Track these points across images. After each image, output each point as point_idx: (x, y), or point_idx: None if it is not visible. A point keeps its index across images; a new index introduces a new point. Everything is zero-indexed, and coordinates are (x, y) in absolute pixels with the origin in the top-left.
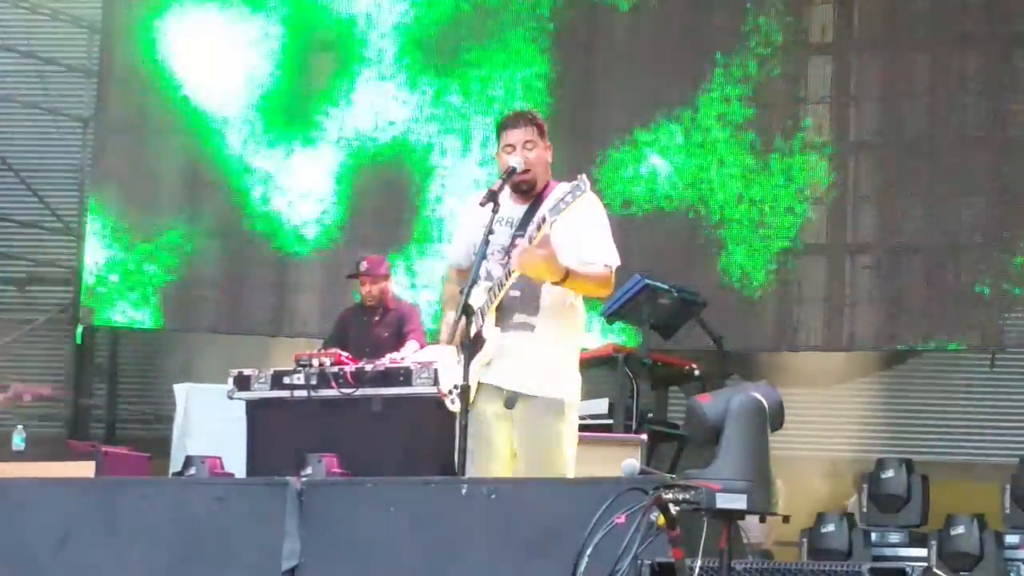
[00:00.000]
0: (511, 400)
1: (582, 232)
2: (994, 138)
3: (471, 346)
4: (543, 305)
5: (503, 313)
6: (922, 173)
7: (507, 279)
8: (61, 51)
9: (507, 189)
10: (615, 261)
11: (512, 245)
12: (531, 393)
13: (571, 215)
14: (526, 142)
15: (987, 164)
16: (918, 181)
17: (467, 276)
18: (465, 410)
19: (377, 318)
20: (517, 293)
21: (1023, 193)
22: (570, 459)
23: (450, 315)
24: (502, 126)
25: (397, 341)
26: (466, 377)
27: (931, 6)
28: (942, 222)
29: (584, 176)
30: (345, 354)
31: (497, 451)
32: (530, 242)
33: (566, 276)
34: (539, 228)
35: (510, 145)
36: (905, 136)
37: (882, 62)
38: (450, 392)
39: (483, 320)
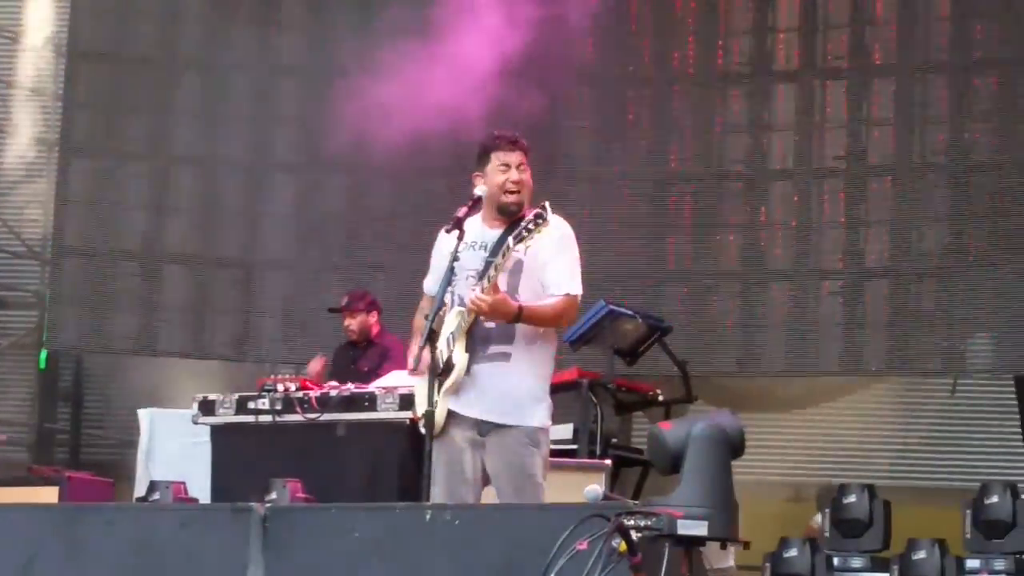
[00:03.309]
0: (484, 430)
1: (546, 261)
2: (956, 165)
3: (438, 372)
4: (519, 335)
5: (478, 342)
6: (886, 199)
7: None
8: (25, 74)
9: (481, 213)
10: (576, 290)
11: (484, 269)
12: (507, 423)
13: (540, 241)
14: (520, 164)
15: (949, 190)
16: (882, 207)
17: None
18: (430, 436)
19: (360, 352)
20: (492, 324)
21: (985, 220)
22: (543, 486)
23: (415, 344)
24: (493, 146)
25: (377, 375)
26: (431, 402)
27: (895, 34)
28: (905, 248)
29: (546, 204)
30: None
31: (467, 477)
32: (487, 282)
33: (519, 314)
34: (502, 255)
35: (505, 164)
36: (867, 161)
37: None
38: (422, 417)
39: (453, 345)
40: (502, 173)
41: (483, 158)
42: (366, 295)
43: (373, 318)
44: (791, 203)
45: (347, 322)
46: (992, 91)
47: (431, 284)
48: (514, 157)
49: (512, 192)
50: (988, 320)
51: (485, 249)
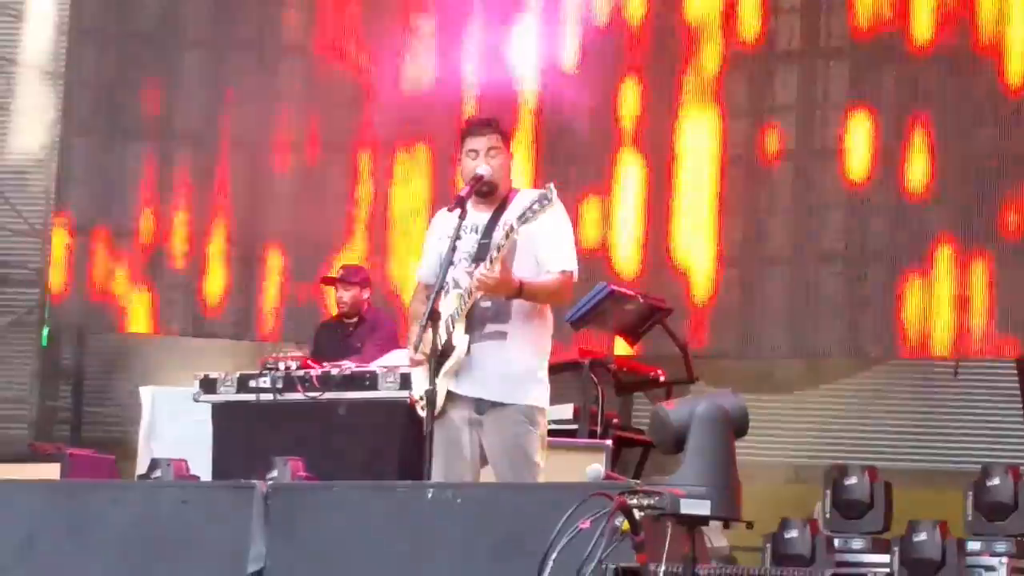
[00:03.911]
0: (482, 408)
1: (542, 239)
2: None
3: (439, 354)
4: (514, 313)
5: (474, 323)
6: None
7: (472, 293)
8: (26, 51)
9: (472, 198)
10: (572, 266)
11: (478, 252)
12: (503, 401)
13: (534, 221)
14: (490, 148)
15: None
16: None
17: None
18: (431, 416)
19: (351, 329)
20: (488, 304)
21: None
22: (540, 466)
23: (415, 328)
24: (466, 132)
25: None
26: (432, 383)
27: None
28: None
29: (552, 185)
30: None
31: (466, 457)
32: (491, 262)
33: (520, 290)
34: (506, 236)
35: (473, 151)
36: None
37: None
38: (421, 398)
39: (453, 327)
40: (471, 160)
41: (461, 143)
42: (361, 269)
43: (366, 294)
44: (789, 185)
45: (340, 294)
46: None
47: (425, 272)
48: (481, 142)
49: (474, 183)
50: (989, 302)
51: (476, 232)
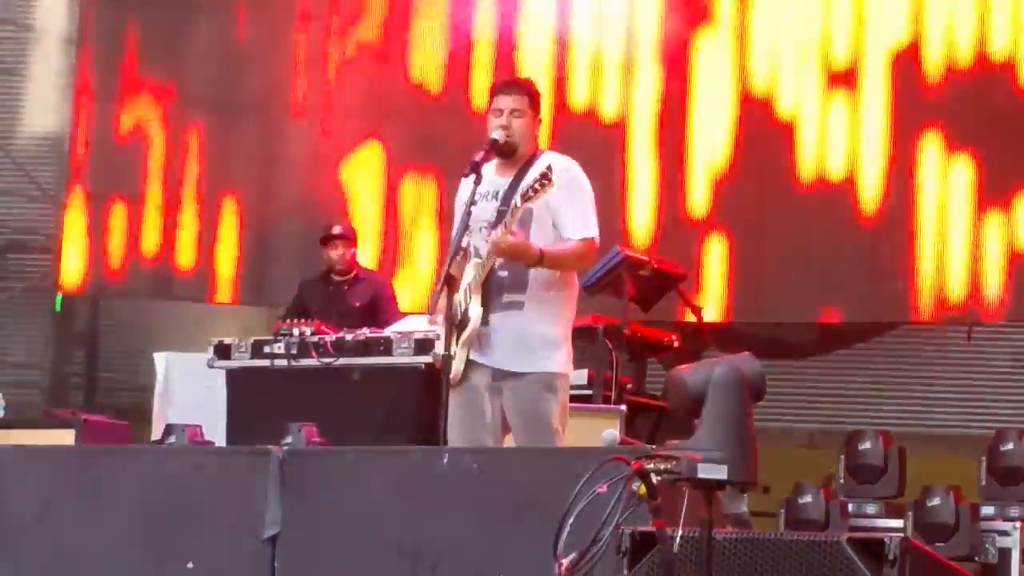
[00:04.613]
0: (501, 377)
1: (561, 207)
2: None
3: (455, 319)
4: (531, 283)
5: (492, 292)
6: None
7: (488, 260)
8: (40, 17)
9: (494, 161)
10: (593, 232)
11: (496, 220)
12: (520, 370)
13: (554, 188)
14: (513, 110)
15: None
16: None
17: (466, 258)
18: (446, 381)
19: (346, 287)
20: (505, 273)
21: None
22: (560, 432)
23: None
24: (494, 90)
25: (370, 312)
26: (447, 347)
27: None
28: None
29: (550, 164)
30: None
31: (487, 423)
32: (504, 229)
33: (541, 258)
34: (511, 214)
35: (499, 110)
36: None
37: None
38: (441, 360)
39: (470, 298)
40: (495, 118)
41: (490, 101)
42: (352, 227)
43: (355, 251)
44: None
45: (337, 252)
46: None
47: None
48: (507, 101)
49: (487, 148)
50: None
51: (496, 199)
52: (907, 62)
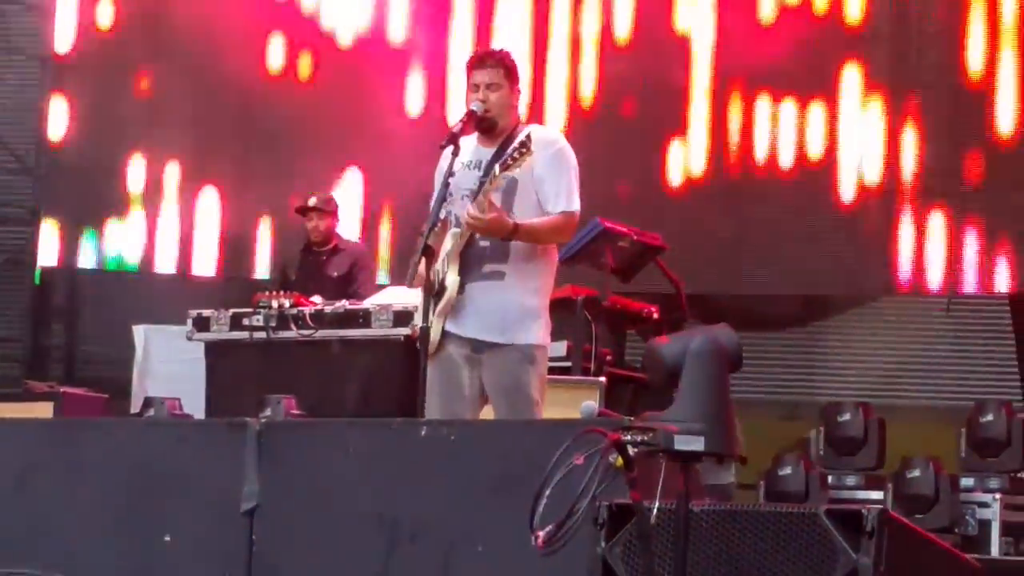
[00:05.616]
0: (479, 348)
1: (545, 180)
2: None
3: (432, 289)
4: (512, 252)
5: (471, 262)
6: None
7: (464, 232)
8: None
9: (476, 132)
10: (574, 206)
11: (478, 188)
12: (499, 342)
13: (533, 158)
14: (489, 84)
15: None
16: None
17: (446, 227)
18: (424, 352)
19: (324, 257)
20: (486, 243)
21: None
22: (539, 404)
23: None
24: (470, 65)
25: (348, 282)
26: (425, 319)
27: None
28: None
29: (530, 133)
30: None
31: (465, 395)
32: (478, 206)
33: (515, 231)
34: (490, 182)
35: (475, 85)
36: None
37: None
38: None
39: (447, 267)
40: (472, 92)
41: (466, 77)
42: (332, 198)
43: (336, 223)
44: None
45: (316, 223)
46: None
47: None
48: (483, 75)
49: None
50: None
51: (479, 168)
52: None
